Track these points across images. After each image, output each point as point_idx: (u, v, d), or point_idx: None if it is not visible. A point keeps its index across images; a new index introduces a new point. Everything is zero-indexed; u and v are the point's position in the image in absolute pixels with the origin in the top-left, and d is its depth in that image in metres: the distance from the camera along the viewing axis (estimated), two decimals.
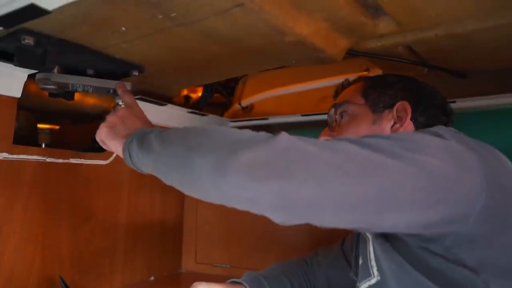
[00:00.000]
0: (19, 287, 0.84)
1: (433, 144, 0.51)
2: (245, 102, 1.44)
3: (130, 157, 0.62)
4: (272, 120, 1.35)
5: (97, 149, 1.11)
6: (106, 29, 0.66)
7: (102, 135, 0.70)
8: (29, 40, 0.66)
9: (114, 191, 1.09)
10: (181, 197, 1.34)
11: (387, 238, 0.59)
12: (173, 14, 0.60)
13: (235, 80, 1.49)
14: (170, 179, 0.55)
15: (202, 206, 1.34)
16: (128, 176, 1.13)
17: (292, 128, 1.39)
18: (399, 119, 0.70)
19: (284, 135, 0.47)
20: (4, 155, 0.82)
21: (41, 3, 0.48)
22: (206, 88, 1.31)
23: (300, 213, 0.45)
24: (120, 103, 0.83)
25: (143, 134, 0.61)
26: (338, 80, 1.23)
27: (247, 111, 1.46)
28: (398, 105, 0.70)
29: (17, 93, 0.83)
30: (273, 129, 1.40)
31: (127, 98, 0.79)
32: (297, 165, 0.43)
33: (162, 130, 0.60)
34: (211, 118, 1.32)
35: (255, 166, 0.43)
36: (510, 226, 0.51)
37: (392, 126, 0.70)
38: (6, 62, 0.73)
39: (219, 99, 1.50)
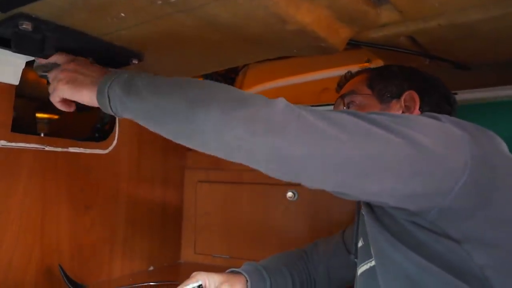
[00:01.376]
0: (18, 276, 0.84)
1: (426, 123, 0.54)
2: None
3: (109, 101, 0.60)
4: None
5: (97, 138, 1.11)
6: (105, 15, 0.65)
7: (65, 93, 0.66)
8: (26, 26, 0.65)
9: (113, 180, 1.08)
10: (180, 187, 1.34)
11: (378, 218, 0.60)
12: (173, 0, 0.59)
13: (236, 71, 1.48)
14: (162, 129, 0.56)
15: (201, 196, 1.33)
16: (127, 166, 1.13)
17: None
18: (407, 109, 0.72)
19: (282, 99, 0.50)
20: (2, 142, 0.81)
21: None
22: (206, 78, 1.30)
23: (290, 168, 0.49)
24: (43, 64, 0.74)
25: (126, 79, 0.60)
26: (339, 71, 1.22)
27: None
28: (405, 94, 0.72)
29: (15, 81, 0.82)
30: None
31: (59, 55, 0.73)
32: (291, 125, 0.47)
33: (150, 77, 0.60)
34: None
35: (256, 120, 0.48)
36: (494, 200, 0.53)
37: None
38: (3, 48, 0.72)
39: None
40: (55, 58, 0.73)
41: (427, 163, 0.50)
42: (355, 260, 0.73)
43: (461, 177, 0.51)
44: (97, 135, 1.15)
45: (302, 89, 1.36)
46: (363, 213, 0.66)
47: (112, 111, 0.61)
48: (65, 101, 0.68)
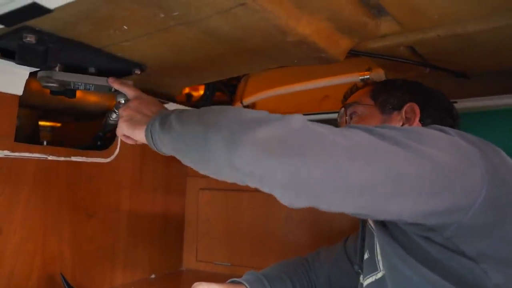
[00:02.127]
0: (20, 285, 0.84)
1: (438, 137, 0.53)
2: (247, 101, 1.44)
3: (152, 138, 0.62)
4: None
5: (99, 147, 1.12)
6: (107, 27, 0.66)
7: (124, 130, 0.69)
8: (30, 38, 0.66)
9: (115, 189, 1.09)
10: (182, 195, 1.34)
11: (388, 229, 0.60)
12: (175, 13, 0.60)
13: (237, 79, 1.48)
14: (188, 158, 0.55)
15: (203, 204, 1.34)
16: (129, 174, 1.13)
17: None
18: (408, 120, 0.72)
19: (299, 116, 0.47)
20: (6, 153, 0.82)
21: (43, 1, 0.48)
22: (208, 86, 1.31)
23: (309, 193, 0.45)
24: (122, 101, 0.83)
25: (165, 115, 0.61)
26: (340, 79, 1.23)
27: None
28: (406, 106, 0.73)
29: (19, 91, 0.83)
30: None
31: (129, 90, 0.78)
32: (310, 145, 0.44)
33: (182, 110, 0.60)
34: None
35: (269, 143, 0.44)
36: (510, 218, 0.52)
37: (401, 126, 0.71)
38: (7, 60, 0.73)
39: (220, 97, 1.50)
40: (125, 89, 0.78)
41: (447, 180, 0.49)
42: (359, 271, 0.73)
43: (480, 193, 0.50)
44: (99, 143, 1.16)
45: (303, 97, 1.36)
46: (372, 226, 0.66)
47: (156, 147, 0.62)
48: (128, 136, 0.71)
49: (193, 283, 0.74)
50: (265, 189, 0.46)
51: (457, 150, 0.52)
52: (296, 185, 0.44)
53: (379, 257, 0.64)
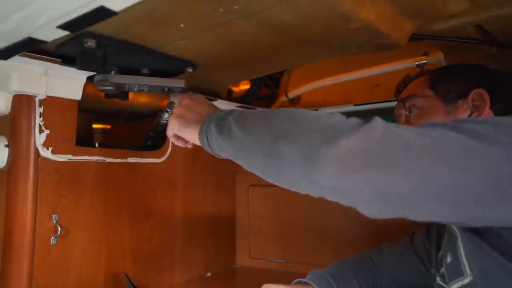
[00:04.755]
0: (89, 285, 0.87)
1: None
2: (292, 94, 1.41)
3: (208, 141, 0.59)
4: (322, 111, 1.31)
5: (151, 147, 1.13)
6: (165, 26, 0.65)
7: (175, 128, 0.67)
8: (91, 43, 0.66)
9: (169, 188, 1.10)
10: (232, 192, 1.34)
11: (476, 232, 0.54)
12: (235, 7, 0.58)
13: (280, 72, 1.45)
14: (253, 168, 0.52)
15: (253, 201, 1.33)
16: (181, 173, 1.14)
17: None
18: (477, 108, 0.65)
19: (379, 121, 0.44)
20: (69, 156, 0.84)
21: (109, 4, 0.47)
22: (255, 81, 1.29)
23: (398, 206, 0.42)
24: (176, 100, 0.83)
25: (220, 118, 0.58)
26: (394, 66, 1.17)
27: (295, 103, 1.43)
28: (473, 93, 0.66)
29: (78, 96, 0.84)
30: None
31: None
32: (398, 154, 0.41)
33: (240, 113, 0.57)
34: None
35: (352, 156, 0.41)
36: None
37: (469, 116, 0.65)
38: (69, 66, 0.74)
39: (263, 91, 1.47)
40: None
41: None
42: (436, 274, 0.69)
43: None
44: (149, 143, 1.17)
45: (351, 86, 1.31)
46: (454, 228, 0.61)
47: (212, 151, 0.60)
48: (179, 137, 0.69)
49: (248, 280, 0.73)
50: (347, 203, 0.43)
51: None
52: (385, 198, 0.41)
53: (464, 261, 0.58)
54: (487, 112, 0.65)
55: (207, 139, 0.59)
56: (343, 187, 0.42)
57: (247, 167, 0.54)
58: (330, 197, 0.44)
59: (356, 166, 0.40)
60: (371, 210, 0.43)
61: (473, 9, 0.72)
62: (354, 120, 0.45)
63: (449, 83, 0.69)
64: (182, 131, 0.65)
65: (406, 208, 0.42)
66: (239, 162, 0.55)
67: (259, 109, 0.57)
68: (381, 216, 0.43)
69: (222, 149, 0.57)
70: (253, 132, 0.51)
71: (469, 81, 0.67)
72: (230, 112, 0.59)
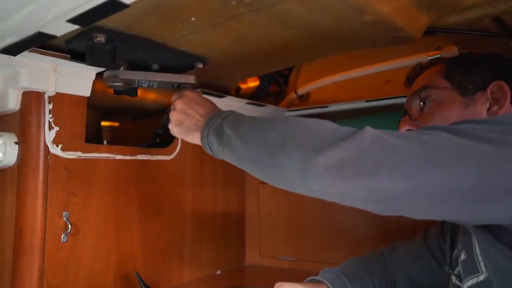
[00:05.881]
0: (99, 282, 0.86)
1: None
2: (301, 91, 1.39)
3: (211, 150, 0.64)
4: (332, 107, 1.29)
5: (159, 144, 1.12)
6: (175, 20, 0.64)
7: (175, 135, 0.73)
8: (100, 38, 0.65)
9: (179, 185, 1.09)
10: (242, 189, 1.33)
11: (489, 229, 0.53)
12: (248, 0, 0.56)
13: (289, 68, 1.44)
14: (256, 175, 0.56)
15: (263, 198, 1.31)
16: (191, 170, 1.13)
17: (352, 115, 1.33)
18: (496, 101, 0.63)
19: (368, 130, 0.47)
20: (79, 154, 0.84)
21: None
22: (265, 78, 1.27)
23: (391, 206, 0.45)
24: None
25: (217, 126, 0.62)
26: (405, 61, 1.14)
27: (304, 99, 1.41)
28: (492, 85, 0.64)
29: (87, 92, 0.84)
30: (330, 117, 1.33)
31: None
32: (385, 161, 0.44)
33: (234, 121, 0.60)
34: (269, 108, 1.29)
35: (343, 165, 0.44)
36: None
37: (489, 109, 0.63)
38: (78, 62, 0.73)
39: (272, 88, 1.46)
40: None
41: None
42: (451, 272, 0.67)
43: None
44: (158, 140, 1.16)
45: (362, 82, 1.29)
46: (470, 226, 0.60)
47: (217, 157, 0.64)
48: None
49: (258, 278, 0.72)
50: (347, 204, 0.47)
51: None
52: (378, 199, 0.44)
53: (479, 257, 0.57)
54: (507, 106, 0.62)
55: (211, 149, 0.63)
56: (339, 192, 0.45)
57: (251, 174, 0.57)
58: (330, 200, 0.48)
59: (346, 175, 0.44)
60: (369, 208, 0.47)
61: (491, 0, 0.70)
62: (345, 129, 0.48)
63: (466, 74, 0.66)
64: (184, 138, 0.71)
65: (400, 208, 0.46)
66: (244, 168, 0.58)
67: (249, 116, 0.61)
68: (382, 214, 0.47)
69: (226, 158, 0.61)
70: (250, 144, 0.55)
71: (488, 72, 0.65)
72: (224, 117, 0.62)
